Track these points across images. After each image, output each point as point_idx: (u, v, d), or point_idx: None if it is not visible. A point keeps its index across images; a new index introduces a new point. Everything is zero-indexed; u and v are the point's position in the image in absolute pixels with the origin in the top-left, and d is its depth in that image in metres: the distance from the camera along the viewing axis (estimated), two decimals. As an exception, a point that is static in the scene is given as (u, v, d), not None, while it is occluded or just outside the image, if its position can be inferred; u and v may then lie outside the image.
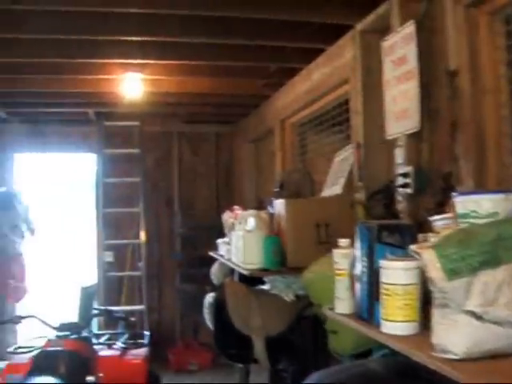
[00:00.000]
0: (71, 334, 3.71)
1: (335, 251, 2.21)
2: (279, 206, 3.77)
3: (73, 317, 6.82)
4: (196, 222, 7.61)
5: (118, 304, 7.21)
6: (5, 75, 5.30)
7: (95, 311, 4.31)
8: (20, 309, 7.52)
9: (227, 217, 4.62)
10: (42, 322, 3.89)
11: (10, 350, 4.01)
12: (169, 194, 7.76)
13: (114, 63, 4.89)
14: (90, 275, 7.58)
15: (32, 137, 7.49)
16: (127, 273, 7.42)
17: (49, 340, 3.67)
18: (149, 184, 7.49)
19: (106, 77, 5.27)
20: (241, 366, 4.74)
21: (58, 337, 3.68)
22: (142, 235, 7.20)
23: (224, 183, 7.95)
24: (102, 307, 5.34)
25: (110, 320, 5.20)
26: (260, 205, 4.96)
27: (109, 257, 7.22)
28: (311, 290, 2.95)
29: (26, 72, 5.16)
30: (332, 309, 2.23)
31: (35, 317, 3.90)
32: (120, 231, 7.47)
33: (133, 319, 5.01)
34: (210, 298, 4.07)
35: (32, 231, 7.25)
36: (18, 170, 7.72)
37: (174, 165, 7.79)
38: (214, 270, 5.07)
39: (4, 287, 7.11)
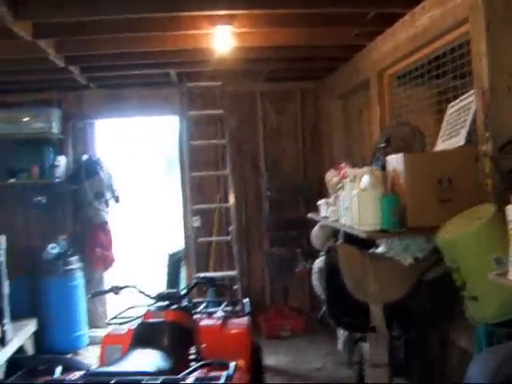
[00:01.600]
0: (171, 304, 3.49)
1: (510, 208, 1.85)
2: (395, 161, 3.42)
3: (163, 284, 6.75)
4: (283, 183, 7.32)
5: (206, 270, 7.04)
6: (83, 36, 5.08)
7: (197, 279, 4.06)
8: (107, 277, 7.50)
9: (331, 176, 4.30)
10: (141, 292, 3.70)
11: (107, 320, 3.85)
12: (254, 155, 7.47)
13: (201, 16, 4.58)
14: (178, 241, 7.45)
15: (112, 102, 7.35)
16: (217, 238, 7.22)
17: (149, 311, 3.48)
18: (233, 145, 7.22)
19: (192, 32, 4.97)
20: (346, 333, 4.49)
21: (158, 307, 3.48)
22: (232, 198, 6.95)
23: (311, 142, 7.59)
24: (202, 274, 5.13)
25: (212, 288, 5.01)
26: (363, 161, 4.60)
27: (196, 222, 7.02)
28: (449, 252, 2.63)
29: (105, 31, 4.90)
30: (501, 274, 1.89)
31: (134, 287, 3.71)
32: (205, 195, 7.27)
33: (236, 287, 4.79)
34: (319, 262, 3.78)
35: (116, 198, 7.15)
36: (100, 137, 7.59)
37: (259, 125, 7.48)
38: (315, 232, 4.78)
39: (91, 256, 7.05)
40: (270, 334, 6.81)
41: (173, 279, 6.87)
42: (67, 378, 2.74)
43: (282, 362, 6.10)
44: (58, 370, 2.82)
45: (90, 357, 6.45)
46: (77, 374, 2.84)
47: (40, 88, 7.12)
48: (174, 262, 6.97)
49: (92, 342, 6.98)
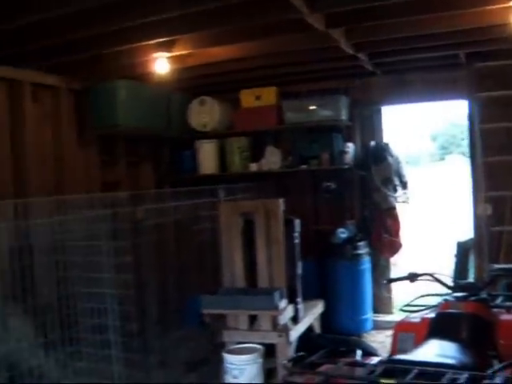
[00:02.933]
0: (469, 296, 3.35)
1: None
2: None
3: (450, 273, 6.52)
4: None
5: (496, 261, 6.64)
6: (372, 22, 5.07)
7: (496, 271, 3.84)
8: (394, 263, 7.49)
9: None
10: (438, 280, 3.61)
11: (401, 307, 3.84)
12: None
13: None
14: (466, 229, 7.16)
15: (398, 87, 7.27)
16: (510, 227, 6.75)
17: (446, 301, 3.39)
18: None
19: (485, 8, 4.68)
20: None
21: (456, 298, 3.36)
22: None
23: None
24: (499, 266, 4.83)
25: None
26: None
27: (487, 210, 6.66)
28: None
29: (394, 15, 4.84)
30: None
31: (431, 275, 3.63)
32: (497, 181, 6.82)
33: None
34: None
35: (404, 184, 7.08)
36: (386, 123, 7.59)
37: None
38: None
39: (378, 241, 7.08)
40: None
41: (461, 269, 6.60)
42: (366, 361, 2.76)
43: None
44: (359, 353, 2.86)
45: (373, 342, 6.50)
46: (374, 359, 2.85)
47: (327, 76, 7.32)
48: (463, 251, 6.70)
49: (376, 327, 7.05)
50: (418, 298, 3.83)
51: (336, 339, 5.55)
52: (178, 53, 5.51)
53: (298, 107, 7.12)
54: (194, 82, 7.07)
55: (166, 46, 5.36)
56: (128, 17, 4.58)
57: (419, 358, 2.64)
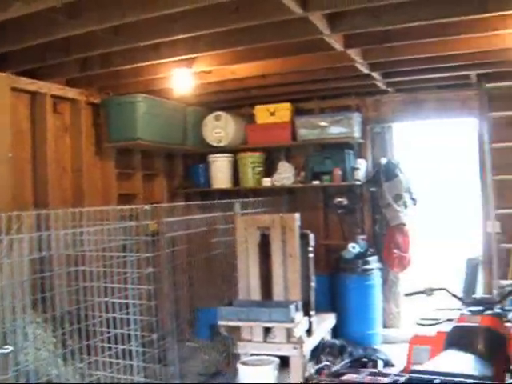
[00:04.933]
0: (484, 310, 3.45)
1: None
2: None
3: (458, 288, 6.60)
4: None
5: (504, 278, 6.73)
6: (388, 44, 5.21)
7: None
8: (403, 279, 7.56)
9: None
10: (453, 295, 3.72)
11: (418, 321, 3.92)
12: None
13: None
14: (474, 246, 7.24)
15: (408, 105, 7.39)
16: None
17: (462, 315, 3.48)
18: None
19: (498, 32, 4.83)
20: None
21: (471, 312, 3.46)
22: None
23: None
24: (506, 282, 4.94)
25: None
26: None
27: (495, 227, 6.75)
28: None
29: (409, 37, 5.02)
30: None
31: (446, 289, 3.74)
32: (506, 199, 6.92)
33: None
34: None
35: (414, 201, 7.17)
36: (397, 140, 7.67)
37: None
38: None
39: (388, 257, 7.17)
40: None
41: (470, 285, 6.69)
42: (388, 372, 2.86)
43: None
44: (380, 363, 2.96)
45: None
46: (395, 370, 2.95)
47: (340, 94, 7.46)
48: (472, 268, 6.78)
49: (384, 341, 7.09)
50: (434, 312, 3.92)
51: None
52: (198, 69, 5.65)
53: (311, 124, 7.23)
54: (210, 97, 7.22)
55: (187, 63, 5.50)
56: (150, 35, 4.73)
57: (440, 369, 2.73)
